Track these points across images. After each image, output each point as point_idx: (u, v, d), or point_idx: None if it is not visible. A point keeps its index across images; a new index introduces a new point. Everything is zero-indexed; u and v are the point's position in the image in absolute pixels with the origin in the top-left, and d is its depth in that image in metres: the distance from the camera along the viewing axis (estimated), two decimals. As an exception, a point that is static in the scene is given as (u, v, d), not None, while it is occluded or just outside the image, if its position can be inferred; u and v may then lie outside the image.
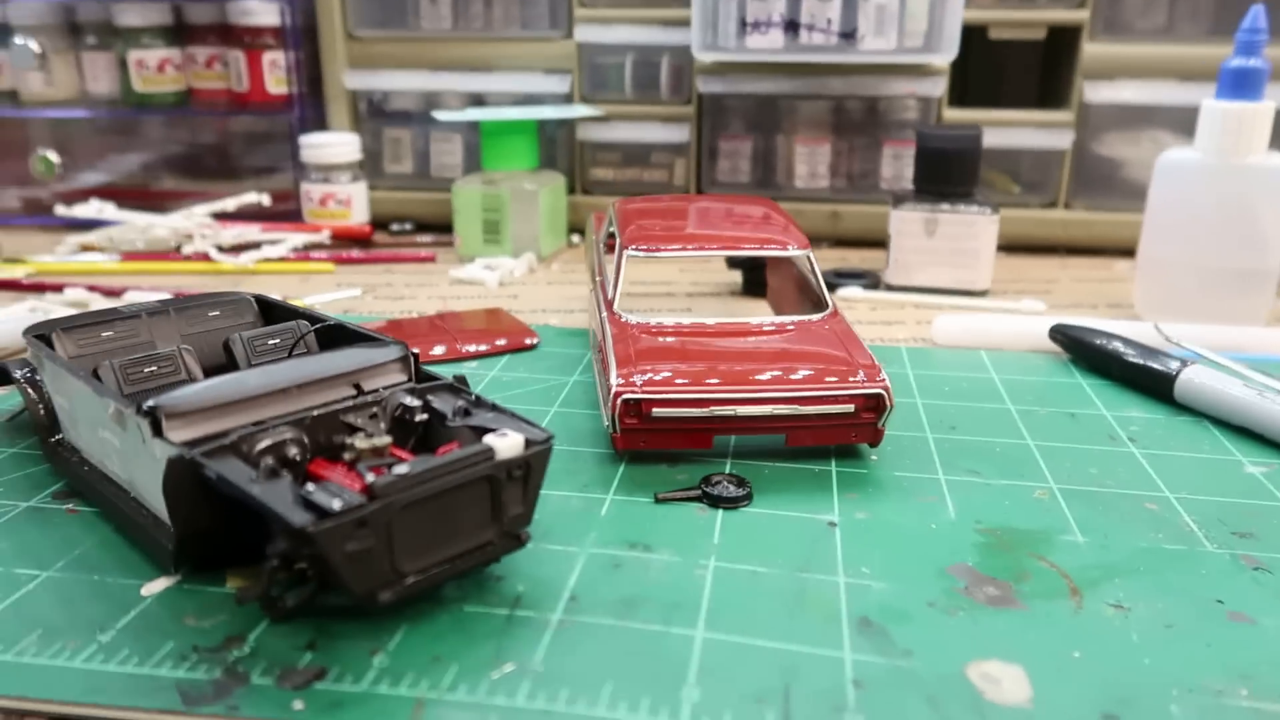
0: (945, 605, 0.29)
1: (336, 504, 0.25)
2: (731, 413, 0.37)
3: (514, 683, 0.25)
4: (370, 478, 0.26)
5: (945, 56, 0.67)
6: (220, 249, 0.71)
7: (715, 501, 0.35)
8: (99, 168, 0.86)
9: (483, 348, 0.51)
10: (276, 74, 0.79)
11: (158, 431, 0.28)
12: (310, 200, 0.76)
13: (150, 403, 0.29)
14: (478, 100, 0.79)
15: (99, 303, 0.60)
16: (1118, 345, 0.47)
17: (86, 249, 0.73)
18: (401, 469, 0.26)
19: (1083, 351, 0.49)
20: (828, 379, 0.37)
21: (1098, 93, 0.71)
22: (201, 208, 0.72)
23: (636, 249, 0.44)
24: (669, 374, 0.37)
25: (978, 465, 0.39)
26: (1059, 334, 0.51)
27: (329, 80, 0.79)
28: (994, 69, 0.77)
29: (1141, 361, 0.46)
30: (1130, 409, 0.44)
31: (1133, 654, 0.27)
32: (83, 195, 0.79)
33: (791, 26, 0.67)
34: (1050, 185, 0.74)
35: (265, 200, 0.74)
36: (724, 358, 0.39)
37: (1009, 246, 0.75)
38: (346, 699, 0.24)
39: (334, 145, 0.75)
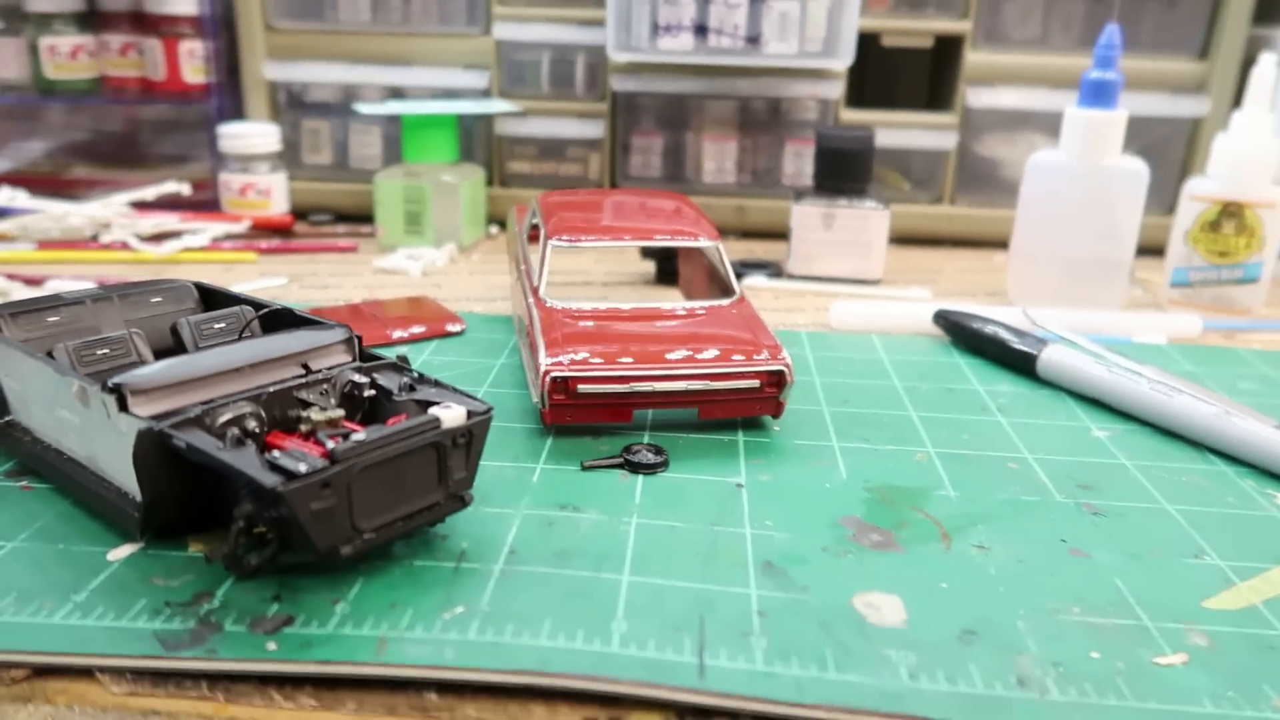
0: (836, 550, 0.34)
1: (302, 467, 0.28)
2: (649, 389, 0.41)
3: (465, 621, 0.28)
4: (330, 444, 0.29)
5: (842, 61, 0.73)
6: (139, 237, 0.71)
7: (636, 468, 0.39)
8: (5, 154, 0.85)
9: (411, 333, 0.54)
10: (194, 63, 0.79)
11: (123, 407, 0.31)
12: (229, 190, 0.77)
13: (115, 380, 0.31)
14: (396, 93, 0.81)
15: (20, 291, 0.60)
16: (990, 328, 0.53)
17: (-2, 237, 0.72)
18: (359, 436, 0.29)
19: (961, 334, 0.55)
20: (735, 357, 0.42)
21: (979, 98, 0.77)
22: (120, 196, 0.73)
23: (560, 240, 0.47)
24: (593, 354, 0.41)
25: (867, 434, 0.43)
26: (941, 318, 0.56)
27: (247, 70, 0.79)
28: (888, 73, 0.83)
29: (1009, 342, 0.52)
30: (1000, 384, 0.50)
31: (990, 584, 0.32)
32: (-10, 183, 0.78)
33: (701, 30, 0.72)
34: (937, 182, 0.81)
35: (186, 190, 0.75)
36: (642, 339, 0.42)
37: (900, 239, 0.81)
38: (315, 640, 0.27)
39: (254, 136, 0.76)
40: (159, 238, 0.72)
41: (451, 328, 0.55)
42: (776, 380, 0.42)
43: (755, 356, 0.42)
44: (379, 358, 0.37)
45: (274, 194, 0.77)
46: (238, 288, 0.62)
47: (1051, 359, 0.49)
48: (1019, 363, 0.51)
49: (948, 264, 0.76)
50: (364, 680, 0.26)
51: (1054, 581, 0.32)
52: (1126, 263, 0.62)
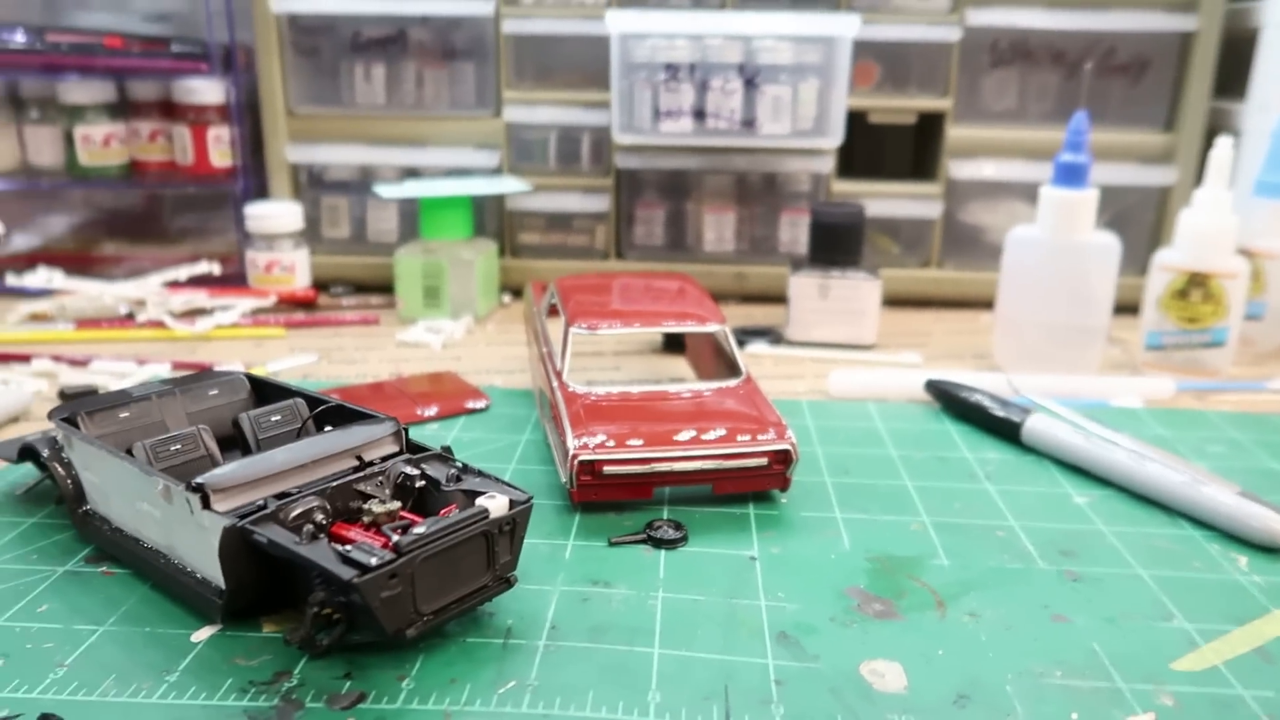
0: (843, 620, 0.37)
1: (373, 560, 0.31)
2: (669, 468, 0.45)
3: (518, 695, 0.32)
4: (395, 538, 0.33)
5: (832, 141, 0.78)
6: (173, 315, 0.75)
7: (658, 543, 0.42)
8: (37, 231, 0.89)
9: (438, 410, 0.57)
10: (221, 148, 0.84)
11: (206, 504, 0.35)
12: (255, 267, 0.81)
13: (198, 480, 0.35)
14: (412, 172, 0.85)
15: (66, 372, 0.64)
16: (977, 397, 0.57)
17: (36, 318, 0.76)
18: (419, 529, 0.33)
19: (950, 402, 0.59)
20: (744, 437, 0.46)
21: (960, 169, 0.82)
22: (155, 277, 0.77)
23: (579, 327, 0.51)
24: (617, 437, 0.45)
25: (866, 504, 0.47)
26: (932, 387, 0.61)
27: (271, 153, 0.84)
28: (876, 146, 0.88)
29: (995, 411, 0.56)
30: (987, 451, 0.54)
31: (981, 650, 0.36)
32: (23, 261, 0.82)
33: (699, 114, 0.77)
34: (925, 247, 0.85)
35: (216, 270, 0.79)
36: (659, 421, 0.46)
37: (892, 301, 0.85)
38: (388, 714, 0.31)
39: (278, 215, 0.80)
40: (191, 314, 0.76)
41: (475, 404, 0.59)
42: (783, 458, 0.46)
43: (763, 436, 0.46)
44: (425, 448, 0.41)
45: (297, 269, 0.82)
46: (271, 365, 0.66)
47: (1034, 428, 0.53)
48: (1005, 431, 0.55)
49: (937, 326, 0.80)
50: (432, 750, 0.30)
51: (1038, 646, 0.36)
52: (1102, 328, 0.66)
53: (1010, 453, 0.54)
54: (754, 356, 0.72)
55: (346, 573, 0.31)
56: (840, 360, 0.71)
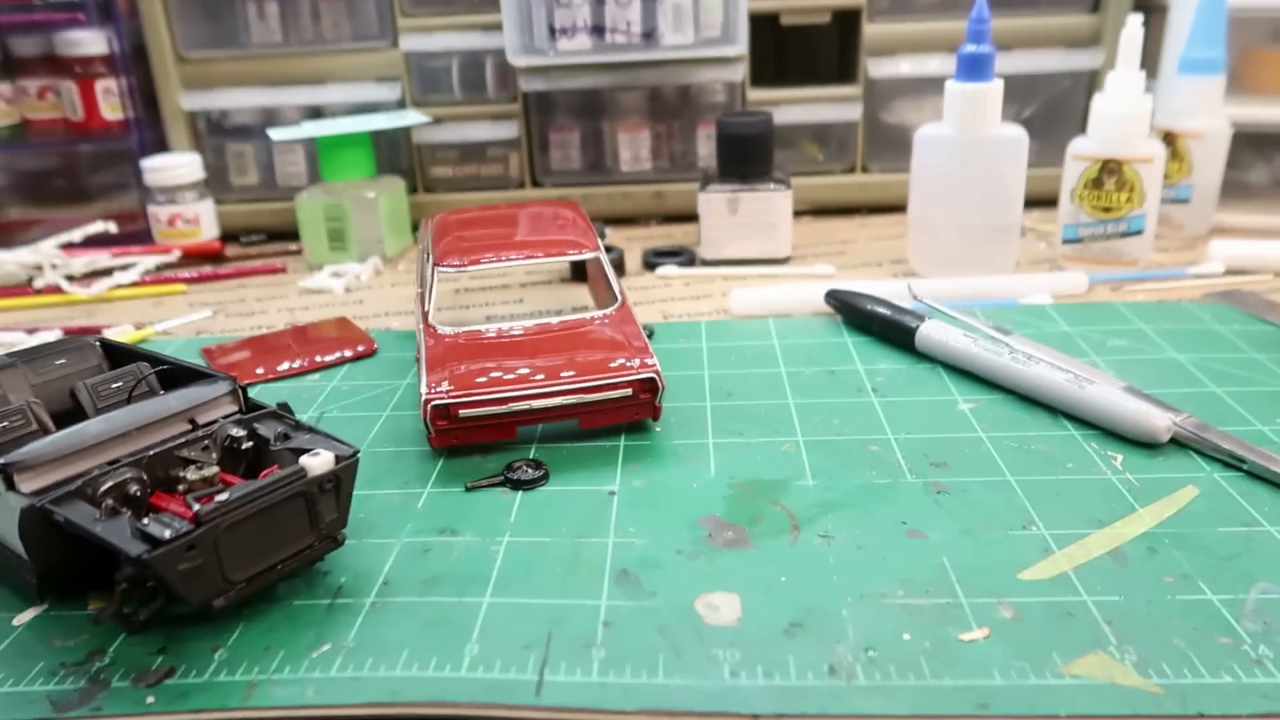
0: (690, 552, 0.36)
1: (167, 533, 0.30)
2: (528, 407, 0.43)
3: (330, 659, 0.31)
4: (197, 507, 0.31)
5: (738, 48, 0.74)
6: (71, 279, 0.73)
7: (516, 485, 0.41)
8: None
9: (322, 360, 0.56)
10: (111, 101, 0.81)
11: (10, 485, 0.33)
12: (159, 221, 0.79)
13: (1, 460, 0.33)
14: (315, 112, 0.82)
15: (-46, 348, 0.62)
16: (874, 306, 0.55)
17: (-64, 291, 0.74)
18: (223, 496, 0.32)
19: (850, 313, 0.57)
20: (607, 368, 0.44)
21: (880, 68, 0.79)
22: (49, 241, 0.74)
23: (445, 266, 0.50)
24: (471, 378, 0.43)
25: (742, 427, 0.46)
26: (832, 298, 0.59)
27: (165, 103, 0.81)
28: (805, 51, 0.84)
29: (890, 319, 0.54)
30: (881, 362, 0.53)
31: (826, 573, 0.35)
32: (-75, 235, 0.80)
33: (597, 30, 0.73)
34: (849, 152, 0.82)
35: (112, 228, 0.76)
36: (521, 356, 0.45)
37: (818, 210, 0.83)
38: (191, 689, 0.30)
39: (176, 167, 0.78)
40: (91, 276, 0.74)
41: (362, 349, 0.57)
42: (649, 386, 0.44)
43: (626, 365, 0.44)
44: (262, 406, 0.39)
45: (202, 221, 0.79)
46: (168, 322, 0.65)
47: (927, 334, 0.52)
48: (900, 338, 0.54)
49: (860, 233, 0.78)
50: (238, 720, 0.29)
51: (886, 565, 0.35)
52: (1015, 224, 0.64)
53: (904, 362, 0.52)
54: (664, 279, 0.70)
55: (137, 548, 0.30)
56: (751, 276, 0.69)
